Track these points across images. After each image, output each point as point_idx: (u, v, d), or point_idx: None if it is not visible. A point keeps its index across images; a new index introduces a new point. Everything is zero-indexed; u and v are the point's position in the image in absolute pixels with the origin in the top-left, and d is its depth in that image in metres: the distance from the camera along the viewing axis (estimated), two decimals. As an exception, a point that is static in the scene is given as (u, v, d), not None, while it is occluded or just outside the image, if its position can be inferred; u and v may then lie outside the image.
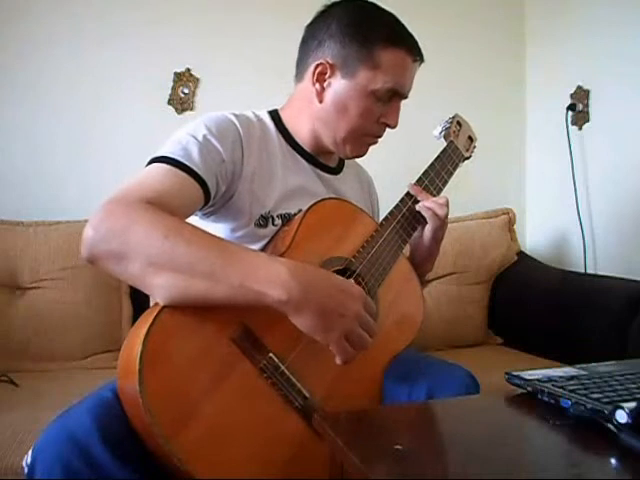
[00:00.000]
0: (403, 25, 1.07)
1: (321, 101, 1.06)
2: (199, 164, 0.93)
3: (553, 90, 2.12)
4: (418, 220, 1.10)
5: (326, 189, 1.12)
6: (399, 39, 1.04)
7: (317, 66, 1.04)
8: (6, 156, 1.80)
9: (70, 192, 1.82)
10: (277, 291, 0.80)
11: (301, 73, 1.09)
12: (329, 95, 1.05)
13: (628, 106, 1.83)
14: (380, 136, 1.10)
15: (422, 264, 1.17)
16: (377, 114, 1.06)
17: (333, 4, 1.08)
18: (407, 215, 1.09)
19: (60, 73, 1.84)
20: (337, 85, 1.04)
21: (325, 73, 1.04)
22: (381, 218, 1.31)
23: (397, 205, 1.09)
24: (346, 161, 1.20)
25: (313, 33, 1.08)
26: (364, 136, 1.08)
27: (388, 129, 1.10)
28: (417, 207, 1.10)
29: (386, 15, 1.07)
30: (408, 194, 1.11)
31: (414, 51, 1.06)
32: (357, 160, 1.20)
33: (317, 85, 1.05)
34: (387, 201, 1.14)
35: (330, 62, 1.04)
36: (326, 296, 0.83)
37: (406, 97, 1.08)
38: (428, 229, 1.11)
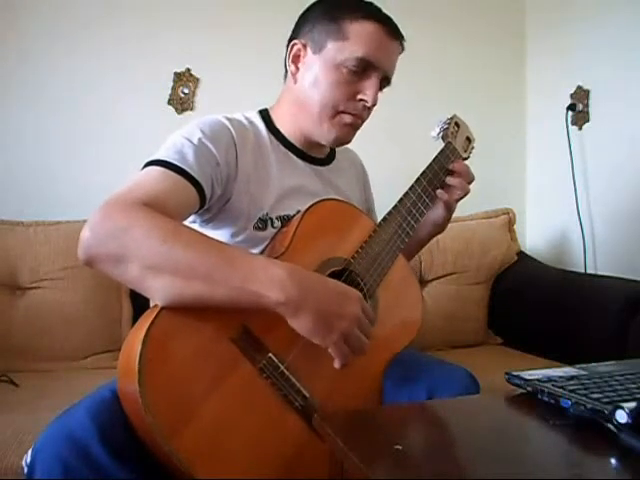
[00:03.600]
0: (378, 7, 1.07)
1: (296, 82, 1.07)
2: (194, 167, 0.93)
3: (553, 90, 2.12)
4: (417, 219, 1.10)
5: (322, 184, 1.13)
6: (369, 13, 1.04)
7: (291, 48, 1.07)
8: (6, 156, 1.80)
9: (70, 192, 1.81)
10: (275, 293, 0.80)
11: (286, 67, 1.11)
12: (303, 74, 1.07)
13: (628, 106, 1.83)
14: (359, 116, 1.07)
15: (413, 250, 1.23)
16: (352, 89, 1.04)
17: (315, 2, 1.11)
18: (405, 216, 1.09)
19: (60, 74, 1.84)
20: (309, 62, 1.06)
21: (299, 55, 1.07)
22: (375, 210, 1.33)
23: (395, 205, 1.09)
24: (337, 149, 1.20)
25: (295, 26, 1.11)
26: (340, 113, 1.06)
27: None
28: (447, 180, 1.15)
29: (361, 1, 1.07)
30: (407, 194, 1.11)
31: (387, 25, 1.04)
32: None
33: (292, 66, 1.07)
34: (384, 201, 1.14)
35: (302, 42, 1.06)
36: (324, 298, 0.83)
37: (387, 78, 1.07)
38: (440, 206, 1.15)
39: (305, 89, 1.06)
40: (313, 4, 1.10)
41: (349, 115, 1.06)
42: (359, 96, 1.05)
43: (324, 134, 1.07)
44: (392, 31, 1.05)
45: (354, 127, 1.08)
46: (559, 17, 2.10)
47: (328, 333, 0.83)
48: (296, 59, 1.07)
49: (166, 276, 0.80)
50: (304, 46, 1.06)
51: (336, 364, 0.86)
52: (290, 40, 1.09)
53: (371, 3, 1.07)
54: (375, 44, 1.03)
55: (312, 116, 1.06)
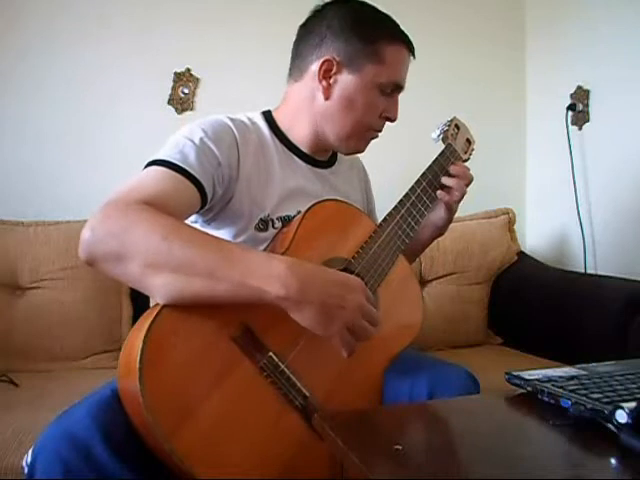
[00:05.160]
0: (397, 22, 1.10)
1: (327, 98, 1.07)
2: (196, 167, 0.93)
3: (553, 90, 2.12)
4: (417, 220, 1.10)
5: (323, 186, 1.13)
6: (398, 35, 1.08)
7: (323, 63, 1.05)
8: (6, 156, 1.80)
9: (70, 192, 1.82)
10: (276, 287, 0.80)
11: (299, 72, 1.10)
12: (336, 91, 1.06)
13: (628, 106, 1.83)
14: (381, 130, 1.12)
15: (415, 252, 1.25)
16: (380, 108, 1.08)
17: (327, 4, 1.10)
18: (405, 216, 1.09)
19: (61, 74, 1.84)
20: (344, 81, 1.06)
21: (330, 70, 1.06)
22: (376, 211, 1.33)
23: (396, 206, 1.09)
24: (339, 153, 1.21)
25: (311, 31, 1.09)
26: (367, 131, 1.10)
27: (388, 124, 1.12)
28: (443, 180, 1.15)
29: (383, 14, 1.10)
30: (407, 195, 1.11)
31: (410, 45, 1.09)
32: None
33: (324, 82, 1.06)
34: (386, 203, 1.14)
35: (337, 59, 1.05)
36: (325, 290, 0.83)
37: (403, 89, 1.12)
38: (440, 208, 1.17)
39: (337, 106, 1.07)
40: (332, 13, 1.07)
41: (373, 131, 1.11)
42: (385, 114, 1.10)
43: (347, 147, 1.12)
44: (412, 50, 1.10)
45: (372, 139, 1.13)
46: (559, 17, 2.10)
47: (331, 324, 0.83)
48: (326, 74, 1.06)
49: (167, 274, 0.80)
50: (338, 64, 1.05)
51: (343, 354, 0.86)
52: (309, 49, 1.07)
53: (392, 19, 1.09)
54: (404, 67, 1.10)
55: (340, 132, 1.08)
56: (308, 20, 1.11)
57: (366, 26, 1.06)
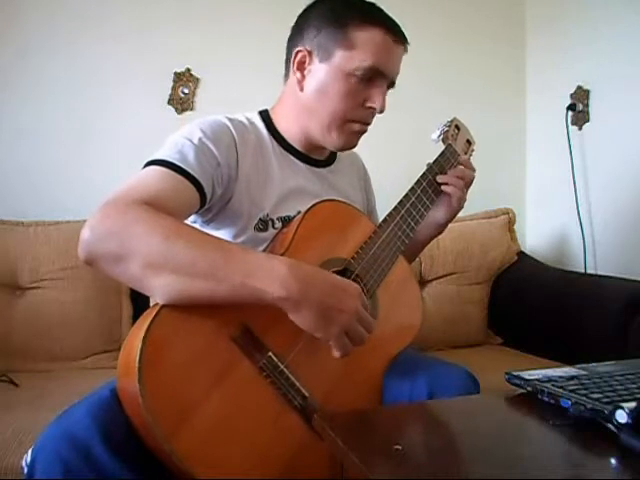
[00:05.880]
0: (381, 9, 1.06)
1: (302, 89, 1.06)
2: (195, 167, 0.93)
3: (553, 90, 2.12)
4: (417, 221, 1.10)
5: (322, 185, 1.13)
6: (374, 18, 1.03)
7: (296, 54, 1.05)
8: (6, 156, 1.80)
9: (70, 192, 1.81)
10: (277, 288, 0.80)
11: (287, 70, 1.10)
12: (309, 82, 1.05)
13: (628, 106, 1.83)
14: (368, 123, 1.08)
15: (414, 251, 1.23)
16: (360, 97, 1.04)
17: (315, 2, 1.09)
18: (405, 217, 1.09)
19: (61, 74, 1.84)
20: (316, 70, 1.04)
21: (304, 61, 1.05)
22: (377, 211, 1.32)
23: (395, 207, 1.09)
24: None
25: (296, 28, 1.09)
26: (350, 122, 1.06)
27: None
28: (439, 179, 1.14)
29: (364, 2, 1.06)
30: (406, 196, 1.11)
31: (393, 31, 1.03)
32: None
33: (298, 74, 1.06)
34: (385, 202, 1.14)
35: (308, 49, 1.04)
36: (325, 293, 0.83)
37: (392, 81, 1.07)
38: (445, 204, 1.15)
39: (313, 97, 1.05)
40: (313, 6, 1.08)
41: (358, 123, 1.06)
42: (368, 104, 1.05)
43: (332, 141, 1.08)
44: (397, 37, 1.04)
45: (361, 133, 1.10)
46: (559, 17, 2.10)
47: (329, 327, 0.83)
48: (301, 66, 1.05)
49: (167, 274, 0.80)
50: (309, 53, 1.04)
51: (335, 354, 0.86)
52: (292, 44, 1.08)
53: (373, 4, 1.06)
54: (383, 52, 1.02)
55: (321, 124, 1.06)
56: (297, 19, 1.11)
57: (337, 12, 1.03)
